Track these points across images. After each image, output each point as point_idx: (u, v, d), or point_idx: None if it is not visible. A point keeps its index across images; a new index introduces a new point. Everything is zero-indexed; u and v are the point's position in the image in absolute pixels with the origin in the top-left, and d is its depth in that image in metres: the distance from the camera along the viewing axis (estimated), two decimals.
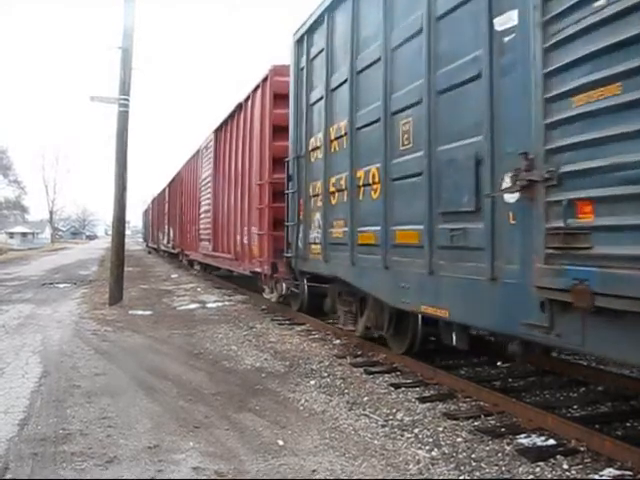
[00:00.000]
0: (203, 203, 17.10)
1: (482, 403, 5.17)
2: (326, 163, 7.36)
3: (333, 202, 7.18)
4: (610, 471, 3.71)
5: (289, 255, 8.80)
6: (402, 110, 5.68)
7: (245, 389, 5.78)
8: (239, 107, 12.45)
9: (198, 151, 18.49)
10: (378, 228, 6.03)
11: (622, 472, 3.69)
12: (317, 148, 7.75)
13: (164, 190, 32.01)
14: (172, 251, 27.29)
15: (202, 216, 17.24)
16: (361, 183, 6.44)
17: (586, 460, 3.90)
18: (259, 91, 10.84)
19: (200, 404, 5.24)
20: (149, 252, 44.80)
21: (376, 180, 6.13)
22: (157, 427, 4.60)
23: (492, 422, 4.75)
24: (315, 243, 7.76)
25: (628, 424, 4.58)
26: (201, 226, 17.39)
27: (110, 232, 14.87)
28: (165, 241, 30.34)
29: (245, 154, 11.87)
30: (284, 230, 9.02)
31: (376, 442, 4.34)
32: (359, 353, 7.35)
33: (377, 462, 3.94)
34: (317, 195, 7.71)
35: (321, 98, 7.65)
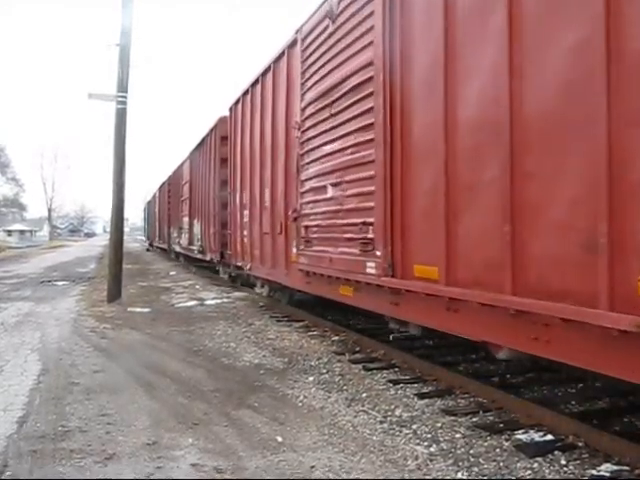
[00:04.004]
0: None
1: (480, 399, 5.18)
2: None
3: None
4: (608, 466, 3.73)
5: None
6: None
7: (244, 386, 5.79)
8: None
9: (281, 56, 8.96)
10: None
11: (620, 467, 3.70)
12: None
13: (180, 167, 22.80)
14: (198, 256, 18.39)
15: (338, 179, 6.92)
16: None
17: (584, 455, 3.92)
18: None
19: (199, 401, 5.25)
20: (147, 249, 44.77)
21: None
22: (156, 424, 4.60)
23: (490, 418, 4.76)
24: None
25: (626, 419, 4.60)
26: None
27: (108, 229, 14.79)
28: (184, 241, 21.14)
29: None
30: None
31: (375, 438, 4.35)
32: (357, 349, 7.35)
33: (376, 458, 3.95)
34: None
35: None
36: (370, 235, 5.86)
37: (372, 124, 5.79)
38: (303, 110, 7.81)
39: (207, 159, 16.18)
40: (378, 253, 5.68)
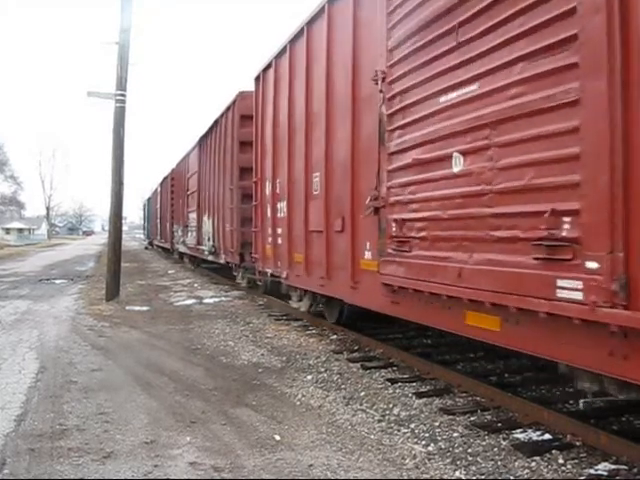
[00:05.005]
0: None
1: (478, 398, 5.18)
2: None
3: None
4: (605, 465, 3.73)
5: None
6: None
7: (242, 384, 5.78)
8: None
9: None
10: None
11: (617, 466, 3.71)
12: None
13: (186, 158, 20.46)
14: (209, 258, 16.14)
15: None
16: None
17: (581, 455, 3.92)
18: None
19: (197, 399, 5.25)
20: (146, 248, 44.74)
21: None
22: (154, 422, 4.60)
23: (488, 417, 4.76)
24: None
25: (623, 419, 4.59)
26: None
27: (107, 228, 14.69)
28: (191, 240, 18.83)
29: None
30: None
31: (373, 437, 4.35)
32: (356, 348, 7.35)
33: (373, 457, 3.95)
34: None
35: None
36: (568, 232, 3.52)
37: (570, 39, 3.50)
38: (392, 51, 5.54)
39: (222, 144, 13.91)
40: (591, 265, 3.31)
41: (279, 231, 9.12)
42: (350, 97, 6.53)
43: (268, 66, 9.71)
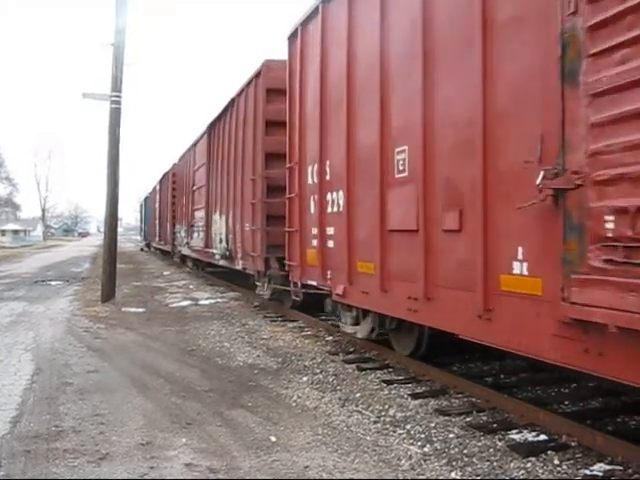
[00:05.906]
0: None
1: (474, 399, 5.19)
2: None
3: None
4: (601, 466, 3.74)
5: None
6: None
7: (238, 386, 5.78)
8: None
9: None
10: None
11: (613, 467, 3.72)
12: None
13: (192, 149, 18.27)
14: (220, 263, 13.89)
15: None
16: None
17: (577, 455, 3.93)
18: None
19: (193, 401, 5.24)
20: (142, 249, 44.65)
21: None
22: (149, 424, 4.59)
23: (484, 418, 4.77)
24: None
25: (619, 419, 4.61)
26: None
27: (102, 229, 14.62)
28: (198, 242, 16.54)
29: None
30: None
31: (368, 438, 4.35)
32: (351, 350, 7.35)
33: (369, 458, 3.95)
34: None
35: None
36: None
37: None
38: None
39: (240, 127, 11.72)
40: None
41: (330, 231, 7.04)
42: (479, 24, 4.28)
43: (312, 14, 7.49)
